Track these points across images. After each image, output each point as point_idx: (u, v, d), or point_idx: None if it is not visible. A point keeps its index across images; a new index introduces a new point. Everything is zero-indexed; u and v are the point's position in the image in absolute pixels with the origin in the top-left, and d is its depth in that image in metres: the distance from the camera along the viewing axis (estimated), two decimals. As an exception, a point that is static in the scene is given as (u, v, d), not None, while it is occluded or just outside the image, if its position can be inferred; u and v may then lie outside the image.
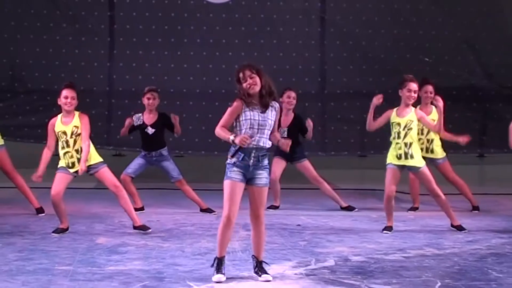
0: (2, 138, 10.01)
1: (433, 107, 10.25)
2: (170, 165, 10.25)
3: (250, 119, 6.59)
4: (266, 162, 6.74)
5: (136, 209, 10.12)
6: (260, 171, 6.69)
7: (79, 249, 8.05)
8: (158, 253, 7.91)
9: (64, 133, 8.74)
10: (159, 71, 12.30)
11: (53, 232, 8.81)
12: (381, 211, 10.58)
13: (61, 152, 8.77)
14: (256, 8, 12.47)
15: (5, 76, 12.27)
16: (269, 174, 6.89)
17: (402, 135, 9.03)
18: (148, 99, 10.19)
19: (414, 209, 10.72)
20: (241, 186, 6.67)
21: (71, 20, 12.37)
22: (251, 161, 6.63)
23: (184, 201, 10.75)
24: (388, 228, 9.20)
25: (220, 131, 6.67)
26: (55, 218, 9.41)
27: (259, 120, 6.61)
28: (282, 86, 11.58)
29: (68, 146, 8.72)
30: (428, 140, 10.24)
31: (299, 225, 9.63)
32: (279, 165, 10.58)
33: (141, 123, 10.12)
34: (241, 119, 6.62)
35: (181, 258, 7.69)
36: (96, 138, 11.57)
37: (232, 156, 6.64)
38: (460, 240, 8.76)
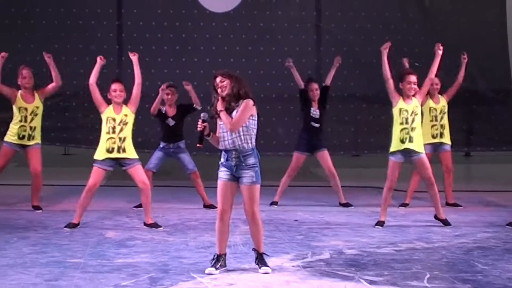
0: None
1: (440, 96, 10.49)
2: (186, 157, 10.25)
3: (221, 124, 6.69)
4: (251, 161, 6.68)
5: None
6: (246, 171, 6.68)
7: (89, 243, 8.06)
8: (164, 247, 7.91)
9: (114, 119, 8.76)
10: (165, 77, 12.27)
11: (65, 226, 8.81)
12: (374, 207, 10.60)
13: (105, 137, 8.75)
14: (256, 17, 12.50)
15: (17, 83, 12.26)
16: (261, 172, 6.83)
17: (410, 120, 9.02)
18: (167, 94, 10.21)
19: (405, 205, 10.71)
20: (229, 184, 6.72)
21: (81, 30, 12.38)
22: (233, 161, 6.67)
23: (188, 198, 10.74)
24: (381, 223, 9.19)
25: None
26: (67, 214, 9.44)
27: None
28: (281, 91, 11.66)
29: (114, 132, 8.73)
30: (441, 126, 10.46)
31: (296, 220, 9.63)
32: (298, 162, 10.59)
33: (164, 112, 10.12)
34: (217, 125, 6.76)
35: (186, 251, 7.69)
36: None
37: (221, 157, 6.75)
38: (448, 235, 8.76)
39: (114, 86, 8.87)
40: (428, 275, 6.80)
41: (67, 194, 11.41)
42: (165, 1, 12.46)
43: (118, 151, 8.75)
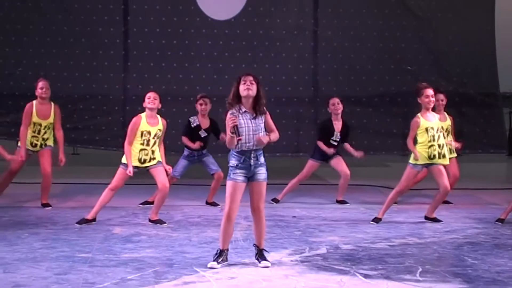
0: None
1: (446, 114, 10.23)
2: (210, 159, 10.22)
3: (245, 126, 6.64)
4: (263, 159, 6.78)
5: (148, 202, 10.12)
6: (260, 168, 6.74)
7: (97, 239, 8.05)
8: (168, 242, 7.91)
9: (149, 133, 8.75)
10: (168, 81, 12.33)
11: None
12: (369, 204, 10.63)
13: (138, 148, 8.73)
14: (255, 24, 12.51)
15: (31, 86, 12.22)
16: (267, 170, 6.87)
17: (436, 137, 8.96)
18: (201, 104, 10.13)
19: (396, 202, 10.67)
20: (242, 186, 6.71)
21: (89, 36, 12.38)
22: (252, 160, 6.67)
23: (191, 195, 10.73)
24: (377, 220, 9.17)
25: (227, 140, 6.70)
26: (76, 211, 9.46)
27: (252, 126, 6.66)
28: (279, 94, 11.65)
29: (148, 144, 8.73)
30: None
31: (294, 217, 9.63)
32: (312, 169, 10.56)
33: (197, 125, 10.08)
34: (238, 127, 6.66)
35: (189, 247, 7.69)
36: (112, 140, 11.64)
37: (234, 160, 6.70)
38: (439, 230, 8.76)
39: (149, 94, 8.81)
40: (420, 269, 6.80)
41: (76, 192, 11.41)
42: (169, 9, 12.46)
43: (150, 161, 8.79)
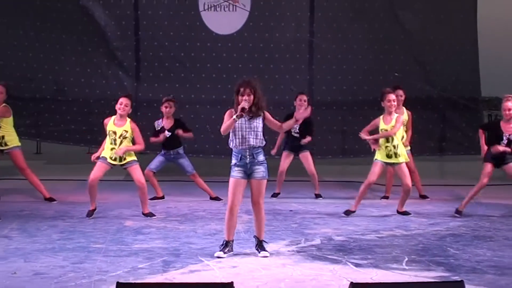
0: (22, 139, 10.09)
1: (404, 108, 10.30)
2: (185, 162, 10.23)
3: (239, 126, 6.70)
4: (261, 157, 6.79)
5: (157, 198, 10.14)
6: (257, 166, 6.75)
7: (110, 231, 8.05)
8: (175, 234, 7.91)
9: (114, 133, 8.74)
10: (177, 90, 12.33)
11: (86, 215, 8.79)
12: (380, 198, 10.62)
13: (108, 147, 8.73)
14: (256, 38, 12.54)
15: (50, 90, 12.28)
16: (268, 167, 6.88)
17: (390, 139, 8.98)
18: (166, 107, 10.17)
19: (386, 197, 10.69)
20: (241, 182, 6.75)
21: (105, 46, 12.39)
22: (248, 159, 6.71)
23: (196, 191, 10.71)
24: (349, 212, 9.14)
25: (223, 126, 6.72)
26: (89, 204, 9.43)
27: (246, 126, 6.70)
28: (277, 103, 11.64)
29: (115, 144, 8.71)
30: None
31: (291, 210, 9.62)
32: (287, 159, 10.58)
33: (161, 127, 10.11)
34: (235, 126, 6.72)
35: (194, 238, 7.69)
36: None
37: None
38: (424, 223, 8.75)
39: (122, 99, 8.82)
40: (406, 259, 6.80)
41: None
42: (176, 25, 12.49)
43: (120, 160, 8.76)
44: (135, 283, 5.39)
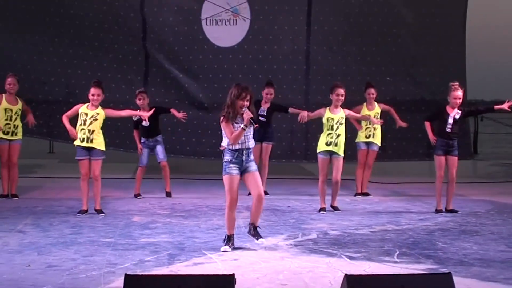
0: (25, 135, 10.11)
1: (376, 103, 10.54)
2: (160, 148, 10.20)
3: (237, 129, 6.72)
4: (252, 156, 6.88)
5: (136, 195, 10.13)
6: (251, 162, 6.83)
7: (119, 226, 8.05)
8: (180, 229, 7.91)
9: (86, 114, 8.72)
10: (181, 96, 12.35)
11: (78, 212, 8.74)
12: (353, 196, 10.60)
13: (78, 128, 8.69)
14: (255, 50, 12.56)
15: (62, 93, 12.26)
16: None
17: (335, 127, 9.04)
18: (139, 99, 10.16)
19: (361, 194, 10.67)
20: (237, 178, 6.76)
21: (116, 52, 12.40)
22: (244, 157, 6.75)
23: (199, 189, 10.73)
24: (324, 209, 9.17)
25: (233, 136, 6.70)
26: (100, 201, 9.44)
27: (247, 131, 6.74)
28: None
29: (84, 124, 8.68)
30: (374, 128, 10.50)
31: (289, 207, 9.62)
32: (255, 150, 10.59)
33: (138, 118, 10.06)
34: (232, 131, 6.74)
35: (198, 232, 7.69)
36: (130, 143, 11.59)
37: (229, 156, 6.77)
38: (414, 219, 8.76)
39: (93, 90, 8.80)
40: (397, 252, 6.80)
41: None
42: (181, 40, 12.54)
43: (87, 141, 8.72)
44: (142, 275, 5.39)
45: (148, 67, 12.46)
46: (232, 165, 6.74)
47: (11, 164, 9.86)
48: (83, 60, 12.30)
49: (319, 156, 9.13)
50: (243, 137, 6.73)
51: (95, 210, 8.81)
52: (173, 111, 10.29)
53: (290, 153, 12.54)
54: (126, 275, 4.39)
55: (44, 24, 12.15)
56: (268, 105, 10.66)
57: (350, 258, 6.56)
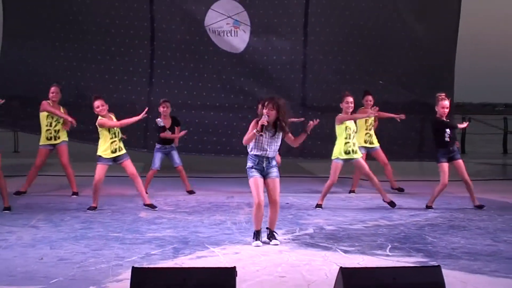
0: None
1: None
2: (175, 154, 10.23)
3: (262, 138, 6.70)
4: (274, 162, 6.85)
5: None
6: (272, 169, 6.81)
7: (126, 221, 8.05)
8: (184, 224, 7.91)
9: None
10: (185, 96, 12.33)
11: (87, 208, 8.75)
12: (348, 193, 10.60)
13: (108, 142, 8.65)
14: (257, 57, 12.55)
15: (72, 94, 12.23)
16: (279, 169, 6.96)
17: (351, 136, 9.04)
18: (163, 107, 10.19)
19: (352, 191, 10.67)
20: (261, 180, 6.76)
21: (122, 55, 12.38)
22: (264, 164, 6.76)
23: (203, 186, 10.73)
24: (319, 206, 9.16)
25: (246, 137, 6.71)
26: (108, 198, 9.44)
27: (268, 139, 6.72)
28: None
29: (116, 136, 8.71)
30: (370, 135, 10.46)
31: (287, 203, 9.61)
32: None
33: (163, 126, 10.10)
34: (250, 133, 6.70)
35: (201, 228, 7.69)
36: (135, 141, 11.59)
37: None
38: (405, 214, 8.76)
39: (97, 103, 8.78)
40: (390, 246, 6.81)
41: (108, 183, 11.37)
42: (187, 39, 12.50)
43: (119, 150, 8.74)
44: (148, 267, 5.39)
45: (153, 69, 12.45)
46: (254, 170, 6.75)
47: (63, 165, 9.90)
48: (92, 63, 12.30)
49: (335, 161, 9.08)
50: (264, 146, 6.69)
51: (145, 205, 8.87)
52: (182, 133, 10.30)
53: (287, 151, 12.54)
54: (133, 267, 4.39)
55: (55, 30, 12.17)
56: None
57: (345, 251, 6.56)
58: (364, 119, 10.18)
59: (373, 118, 10.43)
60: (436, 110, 9.12)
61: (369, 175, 9.13)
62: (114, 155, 8.70)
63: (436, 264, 4.98)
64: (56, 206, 9.08)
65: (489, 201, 9.37)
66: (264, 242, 6.82)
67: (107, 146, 8.66)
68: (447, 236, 7.36)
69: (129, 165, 8.80)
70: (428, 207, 9.18)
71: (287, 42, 12.56)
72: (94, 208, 8.73)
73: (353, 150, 9.06)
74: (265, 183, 6.80)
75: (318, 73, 12.59)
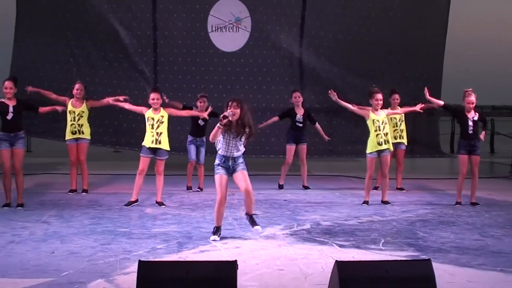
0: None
1: (399, 107, 10.35)
2: (203, 151, 10.27)
3: (226, 139, 6.66)
4: (241, 159, 6.79)
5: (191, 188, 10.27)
6: (238, 166, 6.76)
7: (133, 217, 8.05)
8: (188, 220, 7.91)
9: (153, 118, 8.75)
10: (189, 98, 12.29)
11: (124, 205, 8.77)
12: (343, 189, 10.60)
13: (148, 132, 8.71)
14: (256, 56, 12.59)
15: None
16: (246, 164, 6.87)
17: (381, 127, 9.04)
18: (200, 102, 10.18)
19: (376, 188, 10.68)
20: (225, 177, 6.72)
21: (128, 62, 12.41)
22: (230, 163, 6.72)
23: (206, 184, 10.71)
24: (367, 202, 9.15)
25: (211, 134, 6.64)
26: (116, 195, 9.44)
27: (232, 141, 6.68)
28: (273, 109, 11.61)
29: (153, 128, 8.72)
30: (401, 130, 10.46)
31: (285, 200, 9.61)
32: (291, 151, 10.64)
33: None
34: (221, 137, 6.70)
35: (204, 223, 7.69)
36: (138, 143, 11.60)
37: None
38: (397, 211, 8.75)
39: (153, 95, 8.81)
40: (382, 240, 6.80)
41: (116, 180, 11.41)
42: (189, 43, 12.54)
43: (157, 143, 8.72)
44: (154, 261, 5.39)
45: (157, 74, 12.49)
46: (220, 167, 6.72)
47: (80, 162, 9.84)
48: (100, 69, 12.34)
49: (369, 156, 9.08)
50: (226, 147, 6.66)
51: (157, 202, 8.89)
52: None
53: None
54: (140, 261, 4.39)
55: (66, 38, 12.21)
56: (302, 111, 10.70)
57: (340, 246, 6.56)
58: (391, 116, 10.14)
59: (402, 114, 10.36)
60: (463, 105, 9.16)
61: (386, 176, 9.12)
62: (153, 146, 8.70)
63: (427, 258, 4.97)
64: (67, 203, 9.07)
65: (477, 198, 9.36)
66: (267, 237, 6.80)
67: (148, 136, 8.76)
68: (437, 231, 7.36)
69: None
70: (472, 203, 9.13)
71: (285, 39, 12.62)
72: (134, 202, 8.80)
73: (385, 141, 9.06)
74: (233, 178, 6.76)
75: (313, 71, 12.69)
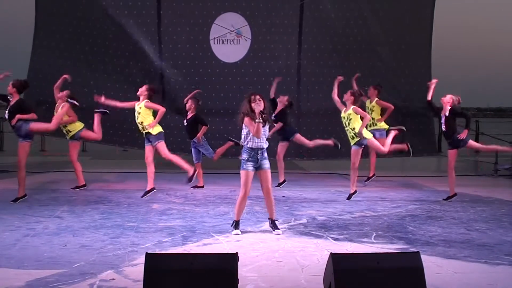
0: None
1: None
2: (198, 151, 10.28)
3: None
4: (266, 154, 6.75)
5: (198, 187, 10.21)
6: (264, 160, 6.71)
7: (140, 212, 8.05)
8: (192, 215, 7.91)
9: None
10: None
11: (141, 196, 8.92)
12: (337, 187, 10.59)
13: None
14: (255, 65, 12.58)
15: (87, 100, 12.21)
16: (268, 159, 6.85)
17: (347, 123, 9.20)
18: (188, 103, 10.33)
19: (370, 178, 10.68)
20: (252, 173, 6.65)
21: (136, 71, 12.40)
22: (259, 156, 6.64)
23: (208, 181, 10.71)
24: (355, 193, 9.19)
25: (254, 130, 6.53)
26: (125, 192, 9.43)
27: (263, 131, 6.62)
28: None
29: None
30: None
31: (283, 196, 9.62)
32: (283, 147, 10.62)
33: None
34: (246, 130, 6.61)
35: (207, 218, 7.69)
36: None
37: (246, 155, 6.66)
38: (388, 206, 8.76)
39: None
40: (374, 234, 6.81)
41: (124, 178, 11.40)
42: (192, 55, 12.55)
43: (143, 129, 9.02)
44: (160, 253, 5.39)
45: (164, 85, 12.49)
46: (248, 163, 6.62)
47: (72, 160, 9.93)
48: (112, 75, 12.34)
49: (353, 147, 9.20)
50: (261, 138, 6.60)
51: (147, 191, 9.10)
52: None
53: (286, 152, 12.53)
54: (147, 253, 4.39)
55: (75, 44, 12.21)
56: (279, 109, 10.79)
57: (335, 239, 6.56)
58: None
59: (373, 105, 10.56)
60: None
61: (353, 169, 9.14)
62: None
63: (416, 250, 4.97)
64: (79, 199, 9.08)
65: (463, 194, 9.38)
66: (266, 231, 6.82)
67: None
68: (425, 225, 7.37)
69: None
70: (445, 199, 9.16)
71: (283, 49, 12.62)
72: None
73: (352, 136, 9.12)
74: (257, 174, 6.72)
75: (311, 76, 12.69)
